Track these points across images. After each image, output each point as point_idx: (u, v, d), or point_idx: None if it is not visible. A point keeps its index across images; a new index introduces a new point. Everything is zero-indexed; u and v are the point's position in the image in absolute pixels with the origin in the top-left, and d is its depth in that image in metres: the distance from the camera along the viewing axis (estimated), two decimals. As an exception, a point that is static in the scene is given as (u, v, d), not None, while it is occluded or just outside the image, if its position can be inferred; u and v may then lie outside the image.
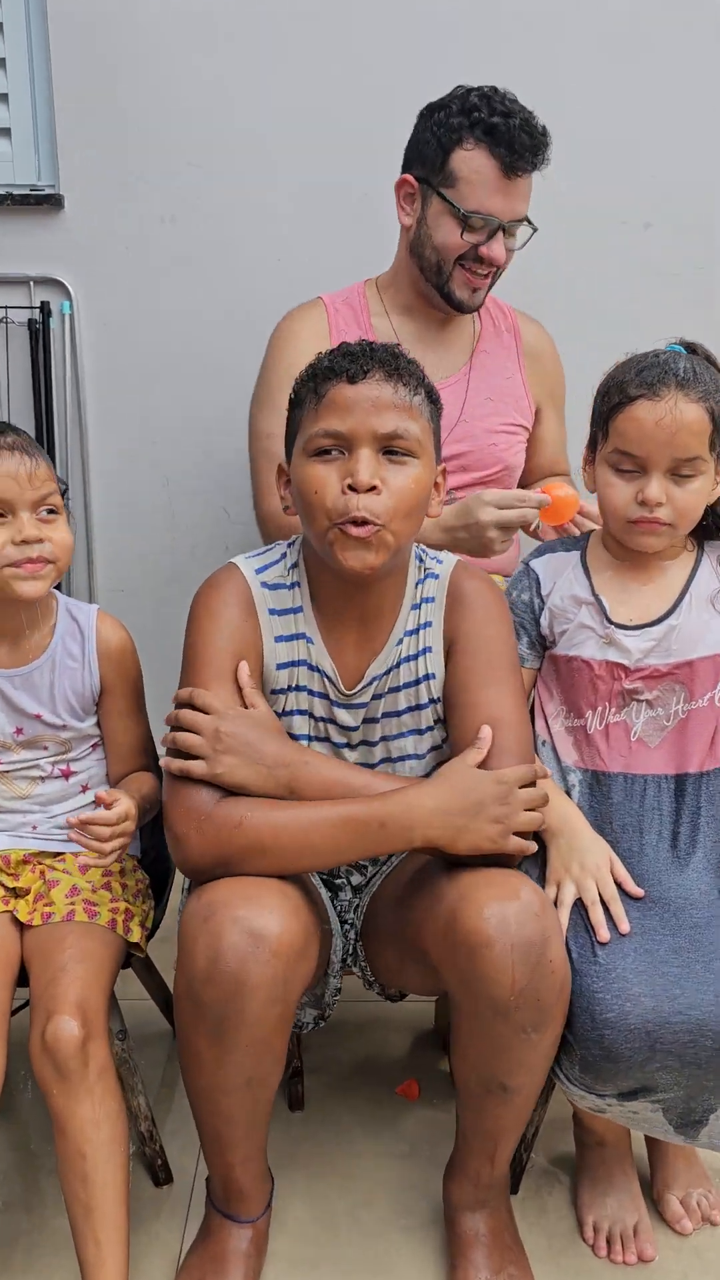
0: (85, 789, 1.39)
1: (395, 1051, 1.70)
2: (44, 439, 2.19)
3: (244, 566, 1.27)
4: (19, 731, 1.35)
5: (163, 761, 1.17)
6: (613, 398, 1.30)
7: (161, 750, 1.23)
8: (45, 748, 1.36)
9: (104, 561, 2.31)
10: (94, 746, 1.40)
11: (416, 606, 1.27)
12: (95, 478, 2.26)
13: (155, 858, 1.49)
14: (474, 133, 1.59)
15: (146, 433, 2.23)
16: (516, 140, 1.57)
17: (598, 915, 1.19)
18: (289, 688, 1.26)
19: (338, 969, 1.34)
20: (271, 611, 1.25)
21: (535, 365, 1.84)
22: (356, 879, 1.35)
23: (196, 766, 1.13)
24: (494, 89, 1.62)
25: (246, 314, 1.97)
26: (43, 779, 1.37)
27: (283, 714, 1.26)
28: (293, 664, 1.26)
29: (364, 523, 1.13)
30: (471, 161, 1.60)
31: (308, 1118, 1.55)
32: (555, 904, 1.21)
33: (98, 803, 1.22)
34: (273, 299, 1.90)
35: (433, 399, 1.21)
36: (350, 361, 1.15)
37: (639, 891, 1.23)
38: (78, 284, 2.16)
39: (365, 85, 1.98)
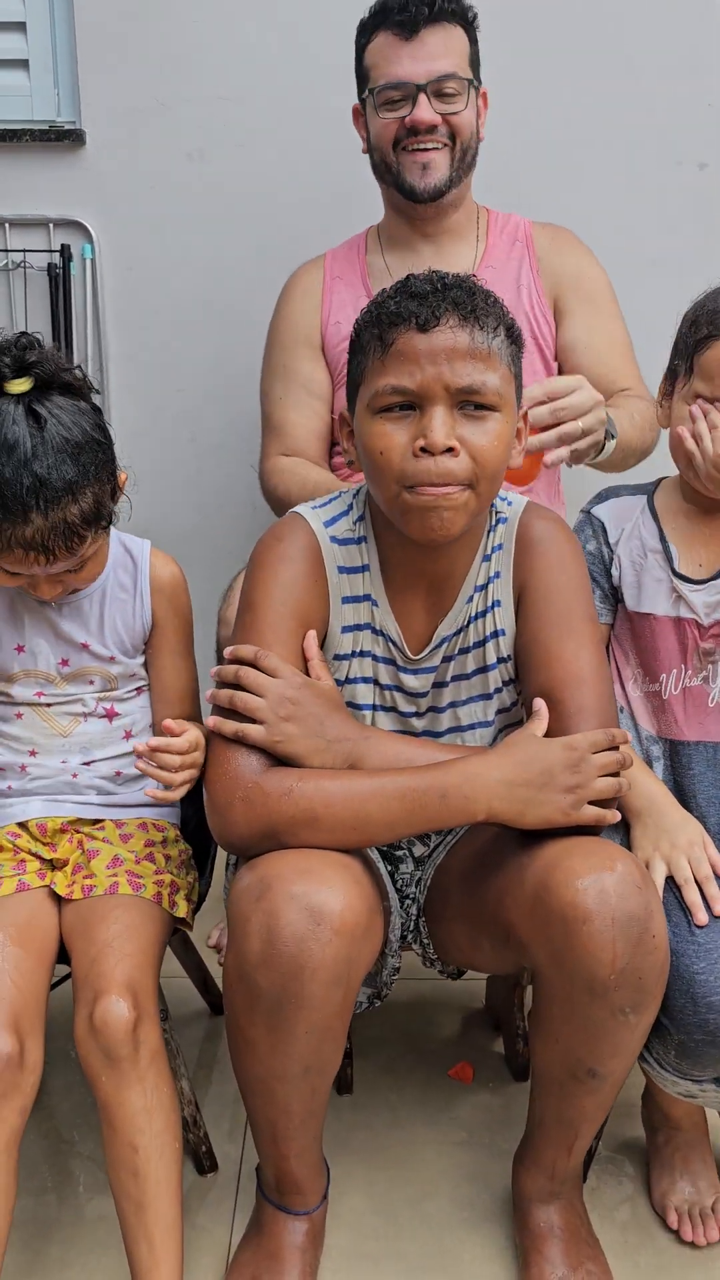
0: (128, 735, 1.29)
1: (445, 1032, 1.61)
2: (64, 390, 2.08)
3: (311, 518, 1.16)
4: (64, 663, 1.26)
5: (212, 721, 1.07)
6: (701, 328, 1.21)
7: (207, 709, 1.13)
8: (91, 682, 1.28)
9: (127, 518, 2.20)
10: (139, 691, 1.31)
11: (487, 558, 1.16)
12: (118, 432, 2.11)
13: (197, 826, 1.39)
14: (373, 24, 1.58)
15: (172, 385, 2.13)
16: (406, 3, 1.52)
17: (693, 895, 1.10)
18: (353, 653, 1.16)
19: (396, 947, 1.24)
20: (340, 569, 1.15)
21: (548, 262, 1.70)
22: (419, 849, 1.26)
23: (255, 731, 1.04)
24: None
25: (280, 257, 1.85)
26: (85, 716, 1.28)
27: (345, 681, 1.17)
28: (357, 628, 1.16)
29: (443, 484, 1.03)
30: (374, 49, 1.58)
31: (357, 1102, 1.47)
32: None
33: (165, 732, 1.12)
34: (308, 240, 1.82)
35: (514, 337, 1.08)
36: (419, 304, 1.02)
37: None
38: (100, 226, 2.05)
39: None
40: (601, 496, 1.36)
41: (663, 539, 1.28)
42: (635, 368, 1.67)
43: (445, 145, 1.58)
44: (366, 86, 1.60)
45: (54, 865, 1.23)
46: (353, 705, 1.17)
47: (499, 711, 1.19)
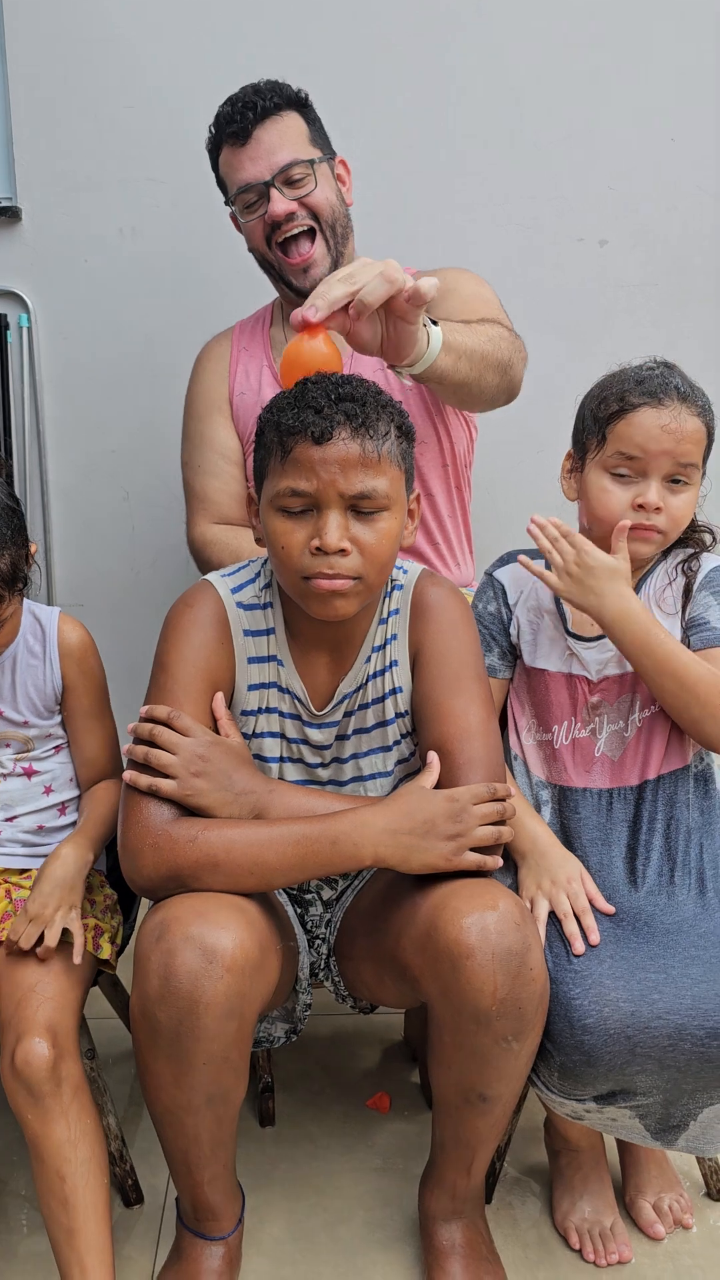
0: (48, 790, 1.37)
1: (365, 1064, 1.69)
2: (0, 453, 2.16)
3: (219, 585, 1.26)
4: None
5: (128, 776, 1.15)
6: (611, 405, 1.31)
7: (126, 760, 1.22)
8: (7, 745, 1.35)
9: (63, 576, 2.28)
10: (57, 749, 1.39)
11: (384, 621, 1.26)
12: (54, 491, 2.24)
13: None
14: (215, 140, 1.66)
15: (106, 446, 2.22)
16: (233, 113, 1.61)
17: (571, 927, 1.20)
18: (259, 709, 1.25)
19: (306, 984, 1.33)
20: (246, 633, 1.24)
21: None
22: (327, 893, 1.34)
23: (166, 785, 1.12)
24: (233, 94, 1.65)
25: (206, 327, 1.95)
26: (4, 776, 1.35)
27: (253, 735, 1.26)
28: (264, 686, 1.25)
29: (335, 577, 1.12)
30: (223, 162, 1.66)
31: (279, 1134, 1.54)
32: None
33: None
34: (233, 311, 1.91)
35: (405, 433, 1.18)
36: (315, 416, 1.10)
37: (610, 909, 1.24)
38: (36, 296, 2.14)
39: (328, 102, 1.99)
40: (503, 560, 1.47)
41: (556, 601, 1.38)
42: (503, 317, 1.65)
43: (311, 228, 1.62)
44: (227, 198, 1.69)
45: (-20, 914, 1.30)
46: (260, 758, 1.25)
47: (398, 762, 1.29)
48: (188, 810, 1.13)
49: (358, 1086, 1.63)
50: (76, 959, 1.21)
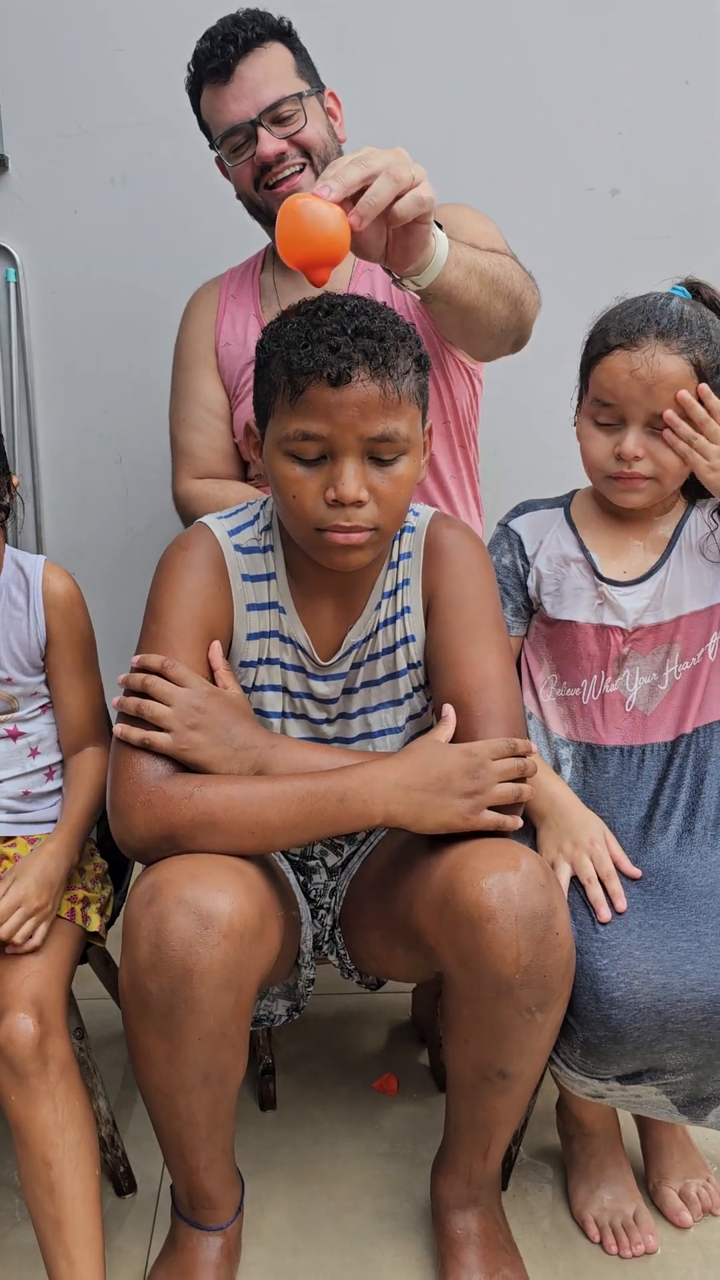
0: (35, 753, 1.29)
1: (371, 1045, 1.61)
2: (-12, 413, 2.08)
3: (215, 527, 1.17)
4: None
5: (118, 729, 1.06)
6: (594, 346, 1.25)
7: (114, 715, 1.13)
8: None
9: (54, 542, 2.20)
10: (43, 709, 1.30)
11: (394, 565, 1.18)
12: (44, 454, 2.15)
13: (114, 846, 1.39)
14: (195, 79, 1.56)
15: (98, 407, 2.13)
16: (213, 48, 1.51)
17: (596, 892, 1.12)
18: (259, 660, 1.17)
19: (309, 957, 1.25)
20: (245, 577, 1.16)
21: None
22: (332, 859, 1.26)
23: (160, 738, 1.04)
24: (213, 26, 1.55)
25: (201, 278, 1.87)
26: None
27: (253, 688, 1.18)
28: (264, 634, 1.17)
29: (352, 530, 1.04)
30: (204, 102, 1.57)
31: (281, 1118, 1.46)
32: None
33: None
34: (228, 261, 1.82)
35: (422, 365, 1.09)
36: (331, 355, 1.01)
37: (636, 872, 1.17)
38: (24, 250, 2.06)
39: (327, 37, 1.90)
40: (518, 510, 1.39)
41: (583, 548, 1.31)
42: (509, 252, 1.54)
43: (303, 165, 1.53)
44: (211, 142, 1.59)
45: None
46: (260, 712, 1.17)
47: (410, 718, 1.21)
48: (183, 766, 1.04)
49: (363, 1068, 1.56)
50: (39, 940, 1.13)
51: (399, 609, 1.18)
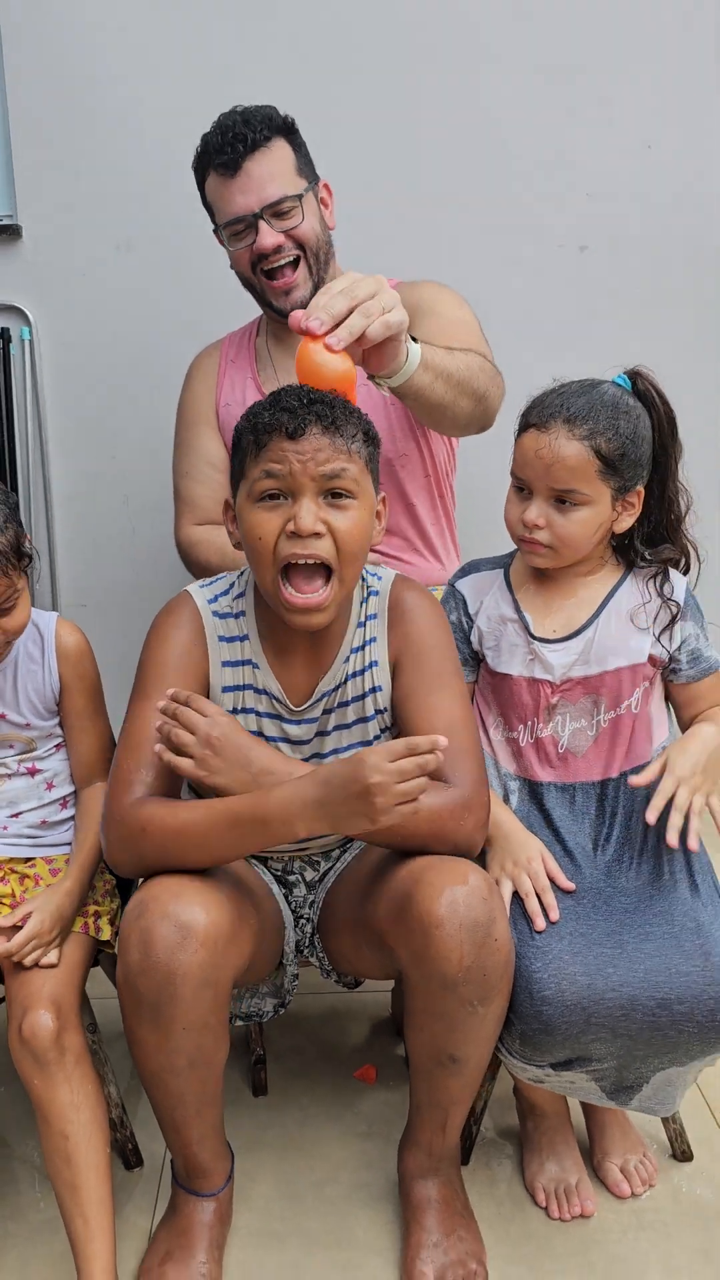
0: (50, 786, 1.47)
1: (354, 1039, 1.79)
2: (5, 460, 2.26)
3: (196, 595, 1.35)
4: None
5: (157, 748, 1.21)
6: (520, 422, 1.39)
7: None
8: (11, 746, 1.44)
9: (67, 577, 2.38)
10: (57, 747, 1.48)
11: (361, 624, 1.35)
12: (57, 497, 2.34)
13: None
14: (202, 164, 1.70)
15: (106, 452, 2.32)
16: (223, 143, 1.65)
17: (533, 905, 1.29)
18: (235, 710, 1.34)
19: (292, 958, 1.43)
20: (220, 638, 1.33)
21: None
22: (310, 875, 1.44)
23: (184, 764, 1.19)
24: (221, 115, 1.69)
25: (201, 336, 2.04)
26: (9, 776, 1.45)
27: None
28: (239, 688, 1.34)
29: (309, 566, 1.20)
30: (210, 188, 1.71)
31: (271, 1103, 1.64)
32: None
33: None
34: (226, 321, 1.99)
35: (371, 439, 1.27)
36: (289, 416, 1.19)
37: (570, 885, 1.33)
38: (37, 310, 2.24)
39: (314, 120, 2.07)
40: (464, 570, 1.54)
41: (518, 609, 1.45)
42: (483, 346, 1.70)
43: (298, 257, 1.69)
44: (214, 221, 1.74)
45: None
46: None
47: (376, 736, 1.37)
48: (170, 786, 1.23)
49: (346, 1059, 1.74)
50: (54, 959, 1.31)
51: (367, 663, 1.35)
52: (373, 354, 1.35)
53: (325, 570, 1.22)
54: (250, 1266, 1.36)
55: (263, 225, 1.67)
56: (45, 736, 1.46)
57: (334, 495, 1.22)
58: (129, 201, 2.19)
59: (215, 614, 1.34)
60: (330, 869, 1.43)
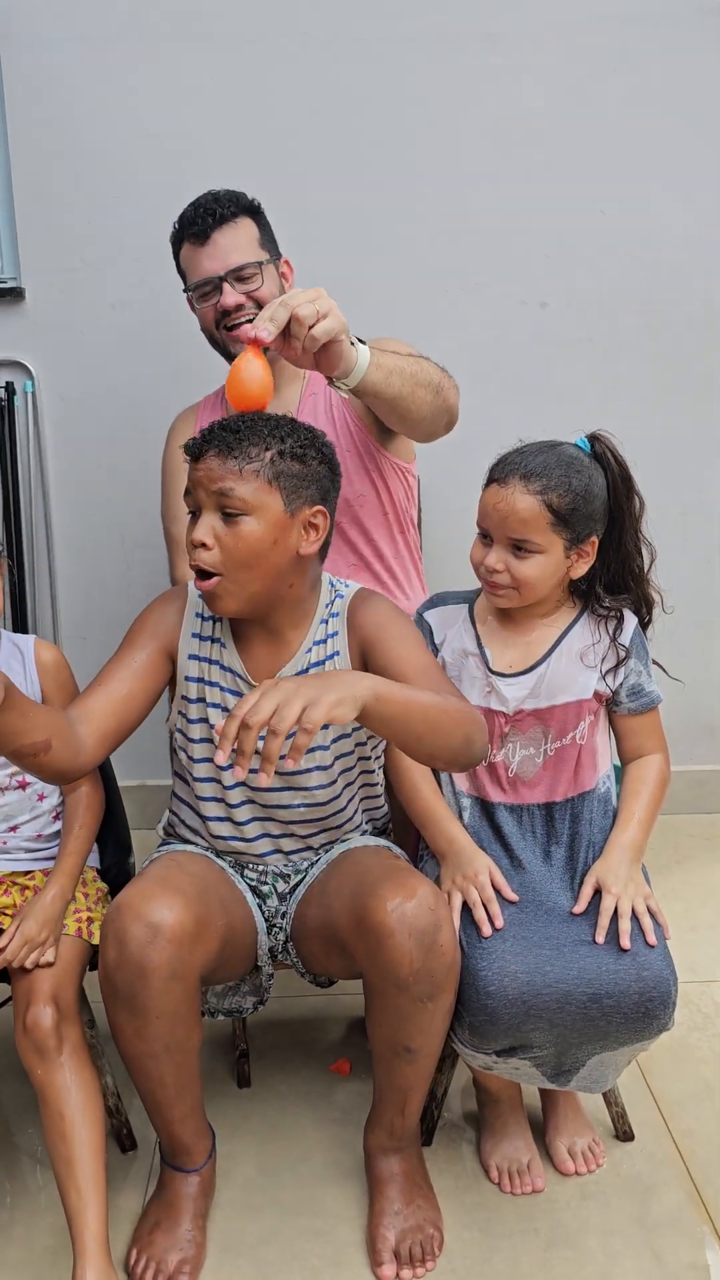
0: (41, 798, 1.63)
1: (331, 1036, 1.95)
2: (10, 503, 2.44)
3: (190, 585, 1.54)
4: None
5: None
6: (487, 476, 1.55)
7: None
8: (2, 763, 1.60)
9: (67, 611, 2.56)
10: None
11: (324, 621, 1.50)
12: (58, 537, 2.51)
13: (117, 873, 1.74)
14: (178, 237, 1.91)
15: (103, 495, 2.49)
16: (195, 216, 1.86)
17: (479, 914, 1.45)
18: (200, 679, 1.49)
19: (267, 958, 1.59)
20: (198, 614, 1.50)
21: None
22: (282, 887, 1.59)
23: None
24: (197, 197, 1.89)
25: (188, 389, 2.21)
26: (1, 791, 1.60)
27: (199, 701, 1.49)
28: (205, 660, 1.49)
29: (204, 575, 1.37)
30: (183, 256, 1.91)
31: (254, 1094, 1.80)
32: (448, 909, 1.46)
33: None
34: (210, 376, 2.15)
35: (291, 457, 1.36)
36: (193, 443, 1.37)
37: (514, 896, 1.49)
38: (39, 365, 2.42)
39: (301, 188, 2.25)
40: (432, 601, 1.69)
41: (479, 644, 1.60)
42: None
43: (247, 316, 1.84)
44: (185, 285, 1.93)
45: (-8, 911, 1.57)
46: (205, 722, 1.49)
47: (336, 738, 1.51)
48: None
49: (324, 1055, 1.90)
50: (51, 958, 1.47)
51: (328, 654, 1.49)
52: (321, 358, 1.52)
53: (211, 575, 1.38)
54: (231, 1234, 1.53)
55: (226, 287, 1.86)
56: None
57: (225, 512, 1.36)
58: (124, 265, 2.37)
59: (199, 596, 1.51)
60: (300, 881, 1.59)
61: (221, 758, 1.14)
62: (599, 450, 1.54)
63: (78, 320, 2.40)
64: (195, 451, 1.37)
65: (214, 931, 1.40)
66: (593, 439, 1.55)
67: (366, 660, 1.47)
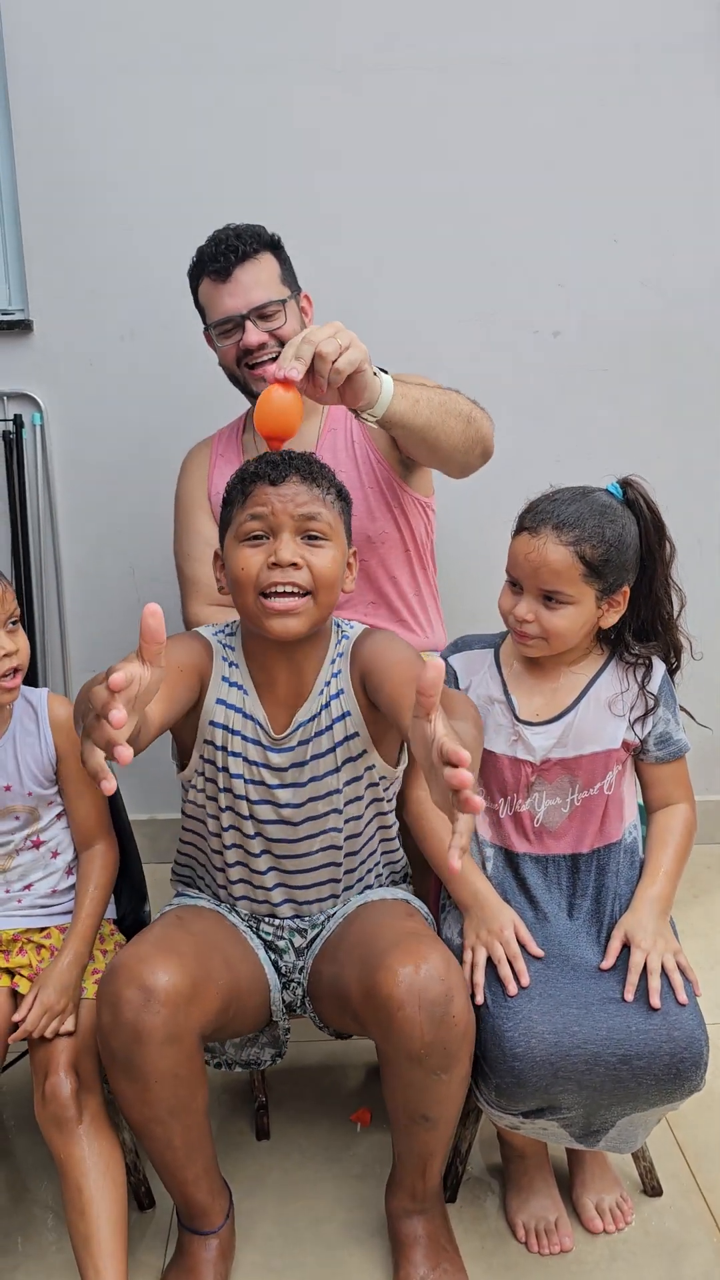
0: (55, 855, 1.61)
1: (351, 1084, 1.92)
2: (19, 536, 2.42)
3: (203, 630, 1.52)
4: None
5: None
6: (516, 524, 1.52)
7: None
8: (16, 818, 1.57)
9: (76, 643, 2.53)
10: (58, 817, 1.61)
11: (333, 662, 1.48)
12: (67, 568, 2.49)
13: (132, 922, 1.71)
14: (196, 271, 1.89)
15: (112, 527, 2.47)
16: (216, 252, 1.83)
17: (504, 971, 1.42)
18: (225, 726, 1.46)
19: (282, 1013, 1.56)
20: (223, 659, 1.48)
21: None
22: (299, 941, 1.56)
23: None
24: (216, 231, 1.87)
25: (197, 422, 2.18)
26: (17, 851, 1.58)
27: (221, 748, 1.46)
28: (230, 706, 1.46)
29: (288, 594, 1.34)
30: (202, 292, 1.89)
31: (273, 1147, 1.77)
32: (471, 965, 1.44)
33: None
34: (219, 408, 2.13)
35: (343, 498, 1.43)
36: (271, 469, 1.37)
37: (540, 952, 1.45)
38: (47, 397, 2.40)
39: (311, 218, 2.22)
40: (456, 645, 1.66)
41: (506, 691, 1.56)
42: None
43: (278, 353, 1.77)
44: (205, 322, 1.91)
45: (9, 971, 1.53)
46: (229, 773, 1.46)
47: (352, 780, 1.48)
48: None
49: (343, 1103, 1.86)
50: (70, 1028, 1.45)
51: (335, 692, 1.46)
52: (346, 391, 1.51)
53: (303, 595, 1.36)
54: (253, 1300, 1.50)
55: (249, 325, 1.84)
56: (47, 804, 1.59)
57: (310, 537, 1.37)
58: (131, 297, 2.35)
59: (219, 641, 1.50)
60: (317, 936, 1.56)
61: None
62: (631, 496, 1.51)
63: (86, 352, 2.38)
64: (276, 474, 1.36)
65: (214, 991, 1.36)
66: (624, 484, 1.52)
67: (365, 686, 1.45)
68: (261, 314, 1.84)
